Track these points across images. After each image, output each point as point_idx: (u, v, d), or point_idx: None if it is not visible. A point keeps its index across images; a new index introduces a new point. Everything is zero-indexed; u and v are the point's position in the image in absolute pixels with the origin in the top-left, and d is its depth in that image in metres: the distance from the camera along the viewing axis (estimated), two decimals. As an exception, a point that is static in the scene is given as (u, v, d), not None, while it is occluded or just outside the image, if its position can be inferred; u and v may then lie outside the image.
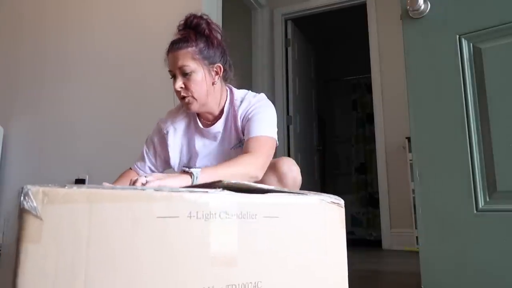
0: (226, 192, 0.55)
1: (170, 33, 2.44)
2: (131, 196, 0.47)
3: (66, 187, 0.44)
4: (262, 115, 1.19)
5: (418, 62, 1.25)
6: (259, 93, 1.30)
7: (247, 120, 1.20)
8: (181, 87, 1.15)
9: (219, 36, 1.22)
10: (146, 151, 1.33)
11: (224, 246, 0.52)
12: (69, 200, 0.43)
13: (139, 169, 1.33)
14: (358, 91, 5.00)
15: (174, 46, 1.17)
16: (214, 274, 0.50)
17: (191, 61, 1.15)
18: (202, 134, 1.27)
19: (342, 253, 0.65)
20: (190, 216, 0.50)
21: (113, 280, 0.44)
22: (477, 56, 1.16)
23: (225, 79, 1.26)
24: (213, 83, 1.20)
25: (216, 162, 1.26)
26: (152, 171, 1.31)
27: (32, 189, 0.41)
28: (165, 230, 0.48)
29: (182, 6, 2.49)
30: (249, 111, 1.21)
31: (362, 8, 3.40)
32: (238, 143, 1.25)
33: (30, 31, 2.88)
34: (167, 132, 1.27)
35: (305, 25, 4.16)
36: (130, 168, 1.35)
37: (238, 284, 0.52)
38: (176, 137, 1.27)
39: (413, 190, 1.50)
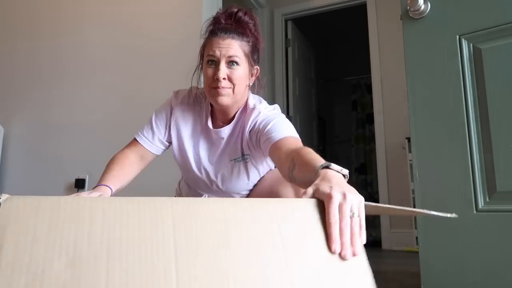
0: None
1: (171, 33, 2.45)
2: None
3: None
4: (279, 119, 1.09)
5: (418, 62, 1.25)
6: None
7: (258, 131, 1.09)
8: (225, 78, 1.05)
9: (262, 41, 1.17)
10: (155, 121, 1.21)
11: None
12: None
13: (146, 138, 1.20)
14: (358, 91, 5.00)
15: (227, 33, 1.06)
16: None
17: (242, 55, 1.07)
18: (208, 136, 1.19)
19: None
20: None
21: None
22: (477, 56, 1.16)
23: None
24: (248, 85, 1.14)
25: (216, 173, 1.19)
26: (163, 142, 1.22)
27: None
28: None
29: (182, 6, 2.49)
30: (259, 121, 1.10)
31: (362, 8, 3.40)
32: (239, 157, 1.17)
33: (30, 30, 2.88)
34: (174, 108, 1.20)
35: (305, 25, 4.16)
36: (132, 142, 1.22)
37: None
38: (181, 128, 1.19)
39: (413, 190, 1.50)
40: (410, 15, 1.26)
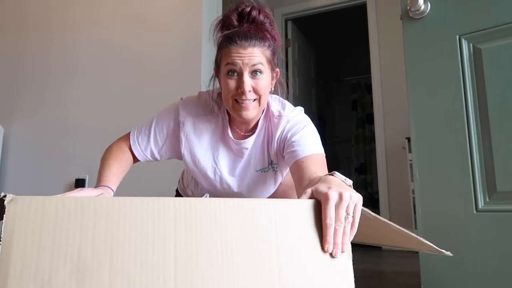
0: None
1: (172, 34, 2.45)
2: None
3: None
4: (307, 129, 1.04)
5: (418, 62, 1.25)
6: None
7: (286, 139, 1.04)
8: (250, 90, 0.96)
9: (280, 39, 1.06)
10: (155, 131, 1.11)
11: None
12: None
13: (139, 146, 1.11)
14: (358, 91, 5.00)
15: (248, 41, 0.95)
16: None
17: (265, 61, 0.98)
18: (228, 147, 1.10)
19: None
20: None
21: None
22: (477, 56, 1.16)
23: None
24: (270, 90, 1.05)
25: (240, 185, 1.13)
26: (153, 156, 1.13)
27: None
28: None
29: (182, 6, 2.49)
30: (287, 129, 1.05)
31: (362, 8, 3.41)
32: (266, 167, 1.11)
33: (33, 28, 2.88)
34: (183, 123, 1.08)
35: (305, 25, 4.16)
36: (128, 139, 1.13)
37: None
38: (195, 137, 1.09)
39: (413, 190, 1.50)
40: (410, 15, 1.26)
